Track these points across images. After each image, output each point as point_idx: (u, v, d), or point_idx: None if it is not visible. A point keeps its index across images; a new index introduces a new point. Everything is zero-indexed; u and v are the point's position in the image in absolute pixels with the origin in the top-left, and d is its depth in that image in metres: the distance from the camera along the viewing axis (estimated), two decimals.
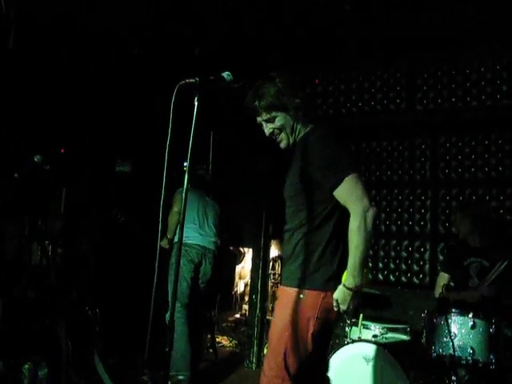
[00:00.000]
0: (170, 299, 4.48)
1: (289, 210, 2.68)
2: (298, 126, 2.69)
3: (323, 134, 2.62)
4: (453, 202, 5.64)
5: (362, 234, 2.39)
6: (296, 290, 2.51)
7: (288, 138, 2.68)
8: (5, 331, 4.30)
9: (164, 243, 4.95)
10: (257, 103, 2.63)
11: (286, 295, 2.55)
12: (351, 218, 2.43)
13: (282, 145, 2.71)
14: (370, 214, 2.41)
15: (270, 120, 2.65)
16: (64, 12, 4.81)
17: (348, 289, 2.41)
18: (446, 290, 4.22)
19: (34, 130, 5.55)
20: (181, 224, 2.28)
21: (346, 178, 2.44)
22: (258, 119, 2.72)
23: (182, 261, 4.62)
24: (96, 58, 5.56)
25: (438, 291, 4.47)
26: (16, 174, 4.19)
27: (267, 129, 2.70)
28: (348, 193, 2.45)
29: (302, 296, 2.47)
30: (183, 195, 2.22)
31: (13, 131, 5.32)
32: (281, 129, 2.66)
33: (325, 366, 2.95)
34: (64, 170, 5.86)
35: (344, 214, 2.50)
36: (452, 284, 4.66)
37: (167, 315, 4.59)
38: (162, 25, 5.13)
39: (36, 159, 4.29)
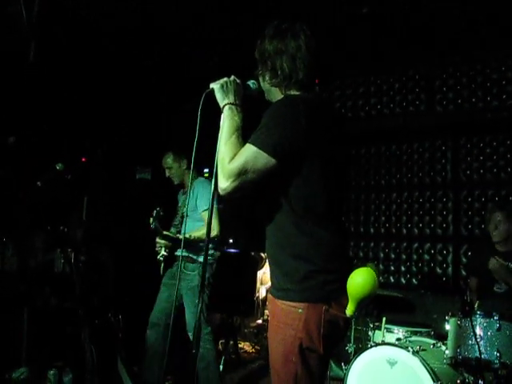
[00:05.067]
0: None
1: None
2: None
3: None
4: (475, 204, 5.58)
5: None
6: (291, 304, 2.02)
7: None
8: (30, 338, 4.35)
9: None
10: None
11: (280, 311, 2.07)
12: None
13: None
14: (226, 187, 1.99)
15: None
16: (84, 25, 4.89)
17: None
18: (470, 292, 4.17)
19: (54, 139, 5.62)
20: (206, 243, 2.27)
21: (253, 146, 1.98)
22: None
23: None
24: (116, 68, 5.61)
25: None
26: (39, 182, 4.23)
27: None
28: (240, 154, 2.00)
29: (300, 311, 1.99)
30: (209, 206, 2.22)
31: (35, 140, 5.39)
32: None
33: None
34: (85, 178, 5.92)
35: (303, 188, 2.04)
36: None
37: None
38: (188, 34, 5.18)
39: (58, 167, 4.31)
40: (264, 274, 7.42)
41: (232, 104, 2.16)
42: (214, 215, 4.13)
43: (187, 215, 4.42)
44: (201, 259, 4.34)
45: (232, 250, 6.62)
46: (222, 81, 2.20)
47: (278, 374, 2.04)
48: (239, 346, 6.37)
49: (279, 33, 2.18)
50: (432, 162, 5.88)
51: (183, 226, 4.42)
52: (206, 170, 5.63)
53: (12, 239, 4.83)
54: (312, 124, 1.99)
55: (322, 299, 1.99)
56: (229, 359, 5.86)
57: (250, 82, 2.30)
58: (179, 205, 4.76)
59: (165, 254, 4.44)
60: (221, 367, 5.49)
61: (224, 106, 2.16)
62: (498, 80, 5.36)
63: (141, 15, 4.78)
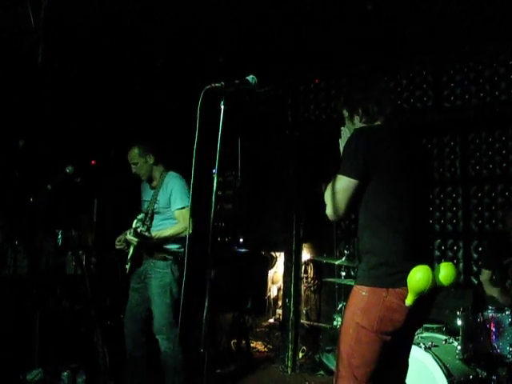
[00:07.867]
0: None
1: None
2: None
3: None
4: (485, 199, 5.56)
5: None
6: (358, 287, 2.48)
7: None
8: (43, 340, 4.38)
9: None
10: None
11: (352, 293, 2.53)
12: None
13: None
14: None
15: None
16: (91, 26, 4.91)
17: None
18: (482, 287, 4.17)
19: (64, 141, 5.65)
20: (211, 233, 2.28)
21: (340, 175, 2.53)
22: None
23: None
24: (121, 70, 5.63)
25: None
26: (49, 186, 4.25)
27: None
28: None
29: (364, 293, 2.42)
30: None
31: (44, 143, 5.43)
32: None
33: (403, 374, 2.74)
34: (95, 181, 5.96)
35: (380, 197, 2.50)
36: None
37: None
38: (187, 35, 5.19)
39: (68, 170, 4.34)
40: (275, 274, 7.42)
41: None
42: (189, 213, 4.05)
43: (158, 212, 4.22)
44: (171, 257, 4.19)
45: (243, 250, 6.62)
46: None
47: (339, 350, 2.46)
48: (251, 345, 6.39)
49: (364, 85, 2.84)
50: (441, 158, 5.85)
51: (153, 222, 4.26)
52: (214, 170, 5.66)
53: (23, 242, 4.87)
54: (376, 147, 2.47)
55: (382, 285, 2.38)
56: (241, 359, 5.87)
57: (249, 77, 2.40)
58: (145, 199, 4.45)
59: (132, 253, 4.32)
60: (233, 367, 5.52)
61: None
62: (505, 74, 5.31)
63: (145, 16, 4.78)
